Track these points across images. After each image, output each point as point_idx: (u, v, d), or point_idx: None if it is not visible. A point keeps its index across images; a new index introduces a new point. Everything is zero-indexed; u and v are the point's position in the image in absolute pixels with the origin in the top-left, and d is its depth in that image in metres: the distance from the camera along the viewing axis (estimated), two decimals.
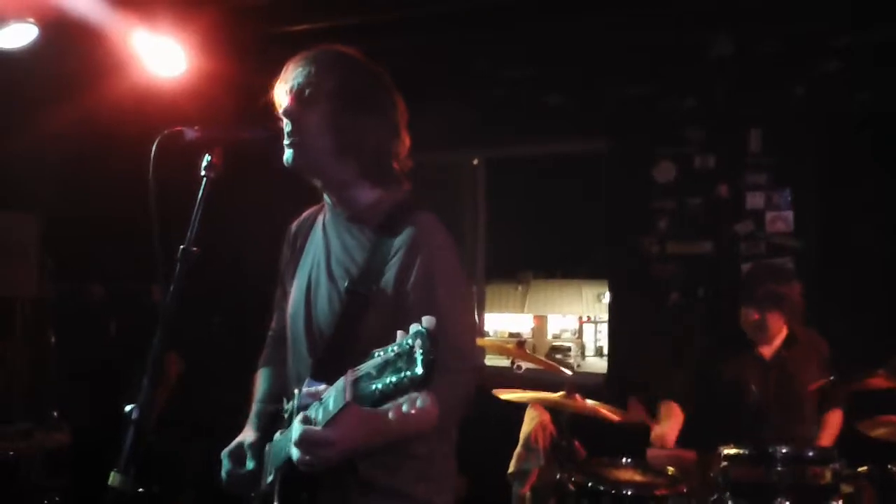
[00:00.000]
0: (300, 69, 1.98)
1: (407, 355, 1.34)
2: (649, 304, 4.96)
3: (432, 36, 5.16)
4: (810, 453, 3.32)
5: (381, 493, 1.95)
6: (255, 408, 2.21)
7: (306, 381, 1.87)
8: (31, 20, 3.99)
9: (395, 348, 1.37)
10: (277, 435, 1.97)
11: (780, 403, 3.75)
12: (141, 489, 1.65)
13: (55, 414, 4.40)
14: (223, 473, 2.13)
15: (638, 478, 3.59)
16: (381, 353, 1.40)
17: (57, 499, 4.18)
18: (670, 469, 3.58)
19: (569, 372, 4.36)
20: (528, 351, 4.36)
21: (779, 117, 4.72)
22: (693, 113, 4.93)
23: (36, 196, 5.16)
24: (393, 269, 1.91)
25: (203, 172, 1.81)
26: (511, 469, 4.07)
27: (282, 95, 2.00)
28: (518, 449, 4.05)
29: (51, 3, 3.91)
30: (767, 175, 4.75)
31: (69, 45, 4.25)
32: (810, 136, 4.62)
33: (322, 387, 1.77)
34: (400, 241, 1.92)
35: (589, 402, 3.65)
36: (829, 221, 4.59)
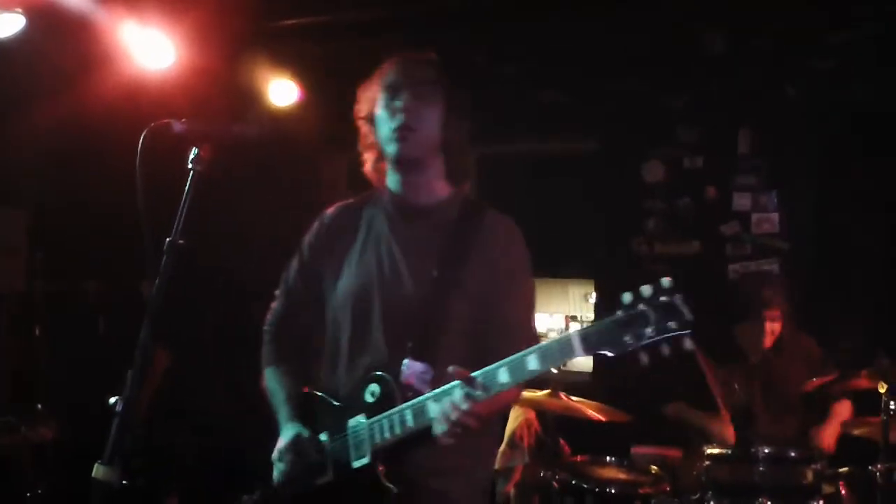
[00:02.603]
0: (415, 69, 2.11)
1: (667, 307, 1.63)
2: None
3: (425, 32, 5.15)
4: (792, 453, 3.34)
5: (448, 473, 2.08)
6: (289, 404, 2.20)
7: (405, 361, 2.01)
8: (18, 10, 3.96)
9: (643, 305, 1.65)
10: (361, 419, 2.03)
11: (765, 405, 3.77)
12: (125, 481, 1.64)
13: (40, 408, 4.38)
14: (279, 473, 2.12)
15: (622, 476, 3.61)
16: (623, 312, 1.67)
17: (39, 492, 4.17)
18: (654, 467, 3.60)
19: (554, 370, 4.36)
20: None
21: (769, 118, 4.75)
22: (683, 113, 4.95)
23: (24, 191, 5.13)
24: (479, 260, 2.08)
25: (190, 165, 1.81)
26: (495, 466, 4.07)
27: (388, 91, 2.09)
28: (502, 446, 4.06)
29: None
30: (755, 176, 4.78)
31: (57, 36, 4.23)
32: (800, 136, 4.64)
33: (422, 366, 1.99)
34: (483, 237, 2.11)
35: (574, 399, 3.67)
36: (818, 222, 4.62)
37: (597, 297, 5.36)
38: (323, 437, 2.11)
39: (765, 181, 4.75)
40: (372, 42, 5.01)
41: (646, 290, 1.66)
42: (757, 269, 4.63)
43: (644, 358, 1.66)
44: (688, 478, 3.49)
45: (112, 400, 1.70)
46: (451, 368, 1.85)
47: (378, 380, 2.03)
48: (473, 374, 1.82)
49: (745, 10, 4.56)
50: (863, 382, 3.52)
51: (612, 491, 3.49)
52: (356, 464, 2.03)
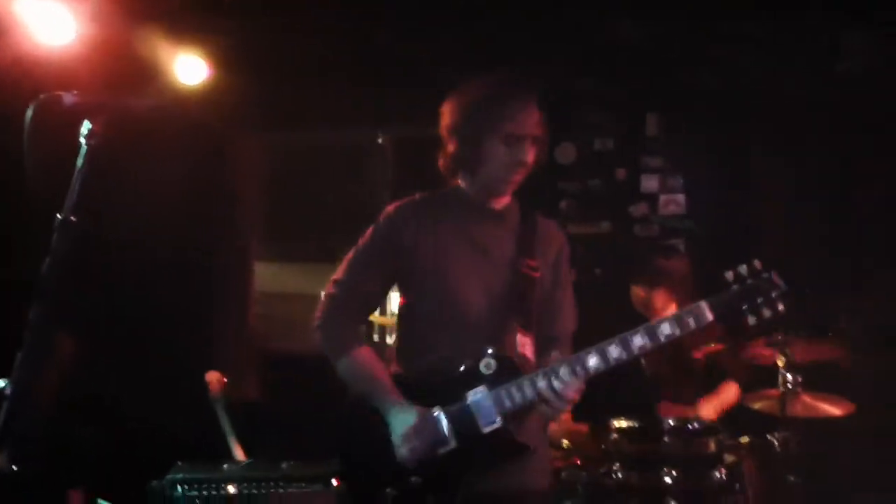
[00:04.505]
0: (538, 120, 2.45)
1: (768, 281, 2.16)
2: None
3: (341, 12, 5.09)
4: (695, 425, 3.46)
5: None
6: (389, 385, 2.36)
7: (517, 336, 2.35)
8: None
9: (751, 280, 2.16)
10: (482, 390, 2.27)
11: (672, 380, 3.87)
12: (15, 468, 1.58)
13: None
14: (411, 450, 2.25)
15: None
16: (738, 286, 2.18)
17: None
18: (564, 442, 3.67)
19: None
20: None
21: (676, 101, 4.87)
22: (593, 95, 5.02)
23: None
24: (542, 255, 2.46)
25: (83, 140, 1.75)
26: None
27: (512, 136, 2.39)
28: None
29: None
30: (663, 159, 4.90)
31: None
32: (706, 120, 4.77)
33: (528, 339, 2.36)
34: (541, 236, 2.49)
35: None
36: (722, 203, 4.76)
37: None
38: (436, 410, 2.29)
39: (671, 163, 4.87)
40: (287, 21, 4.93)
41: (743, 269, 2.17)
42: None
43: (752, 320, 2.16)
44: (596, 451, 3.57)
45: (0, 383, 1.63)
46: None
47: (493, 354, 2.29)
48: (609, 340, 2.21)
49: None
50: (762, 352, 3.67)
51: None
52: (487, 429, 2.25)
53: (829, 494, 3.94)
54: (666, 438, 3.35)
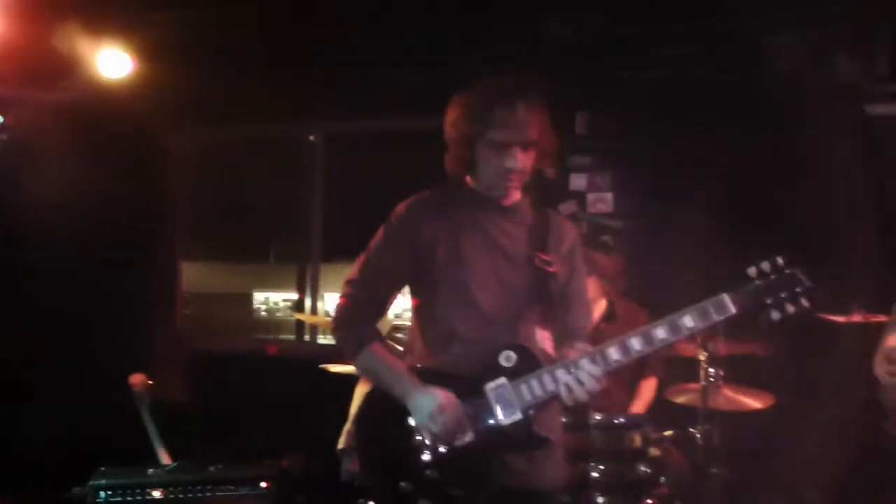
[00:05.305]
0: (527, 124, 2.38)
1: (792, 277, 2.18)
2: None
3: (271, 6, 5.03)
4: (622, 419, 3.53)
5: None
6: (410, 375, 2.37)
7: (537, 330, 2.40)
8: None
9: (775, 276, 2.19)
10: (502, 382, 2.28)
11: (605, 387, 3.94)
12: None
13: None
14: (434, 434, 2.26)
15: None
16: (762, 281, 2.19)
17: None
18: None
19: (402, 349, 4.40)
20: None
21: (605, 101, 4.93)
22: None
23: None
24: (556, 250, 2.46)
25: None
26: (341, 445, 4.07)
27: (499, 143, 2.37)
28: (348, 425, 4.07)
29: None
30: (591, 157, 4.97)
31: None
32: (635, 119, 4.84)
33: (548, 333, 2.41)
34: (555, 232, 2.50)
35: None
36: (650, 202, 4.85)
37: None
38: (472, 399, 2.30)
39: (600, 162, 4.95)
40: (215, 15, 4.84)
41: (766, 265, 2.19)
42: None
43: (776, 315, 2.18)
44: None
45: None
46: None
47: (512, 347, 2.32)
48: (631, 332, 2.26)
49: None
50: (688, 348, 3.77)
51: None
52: (507, 420, 2.26)
53: (751, 486, 4.06)
54: (592, 433, 3.41)
